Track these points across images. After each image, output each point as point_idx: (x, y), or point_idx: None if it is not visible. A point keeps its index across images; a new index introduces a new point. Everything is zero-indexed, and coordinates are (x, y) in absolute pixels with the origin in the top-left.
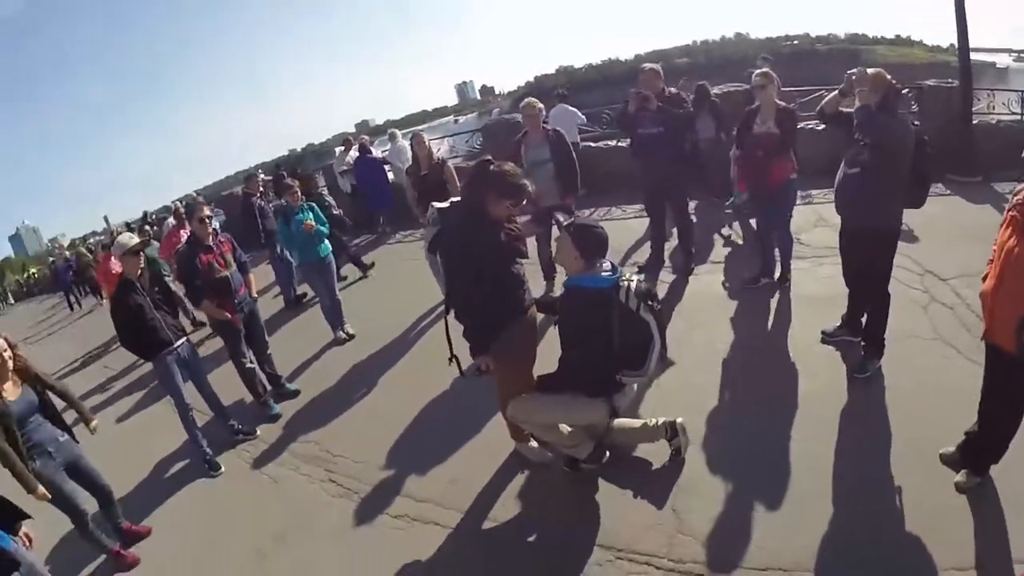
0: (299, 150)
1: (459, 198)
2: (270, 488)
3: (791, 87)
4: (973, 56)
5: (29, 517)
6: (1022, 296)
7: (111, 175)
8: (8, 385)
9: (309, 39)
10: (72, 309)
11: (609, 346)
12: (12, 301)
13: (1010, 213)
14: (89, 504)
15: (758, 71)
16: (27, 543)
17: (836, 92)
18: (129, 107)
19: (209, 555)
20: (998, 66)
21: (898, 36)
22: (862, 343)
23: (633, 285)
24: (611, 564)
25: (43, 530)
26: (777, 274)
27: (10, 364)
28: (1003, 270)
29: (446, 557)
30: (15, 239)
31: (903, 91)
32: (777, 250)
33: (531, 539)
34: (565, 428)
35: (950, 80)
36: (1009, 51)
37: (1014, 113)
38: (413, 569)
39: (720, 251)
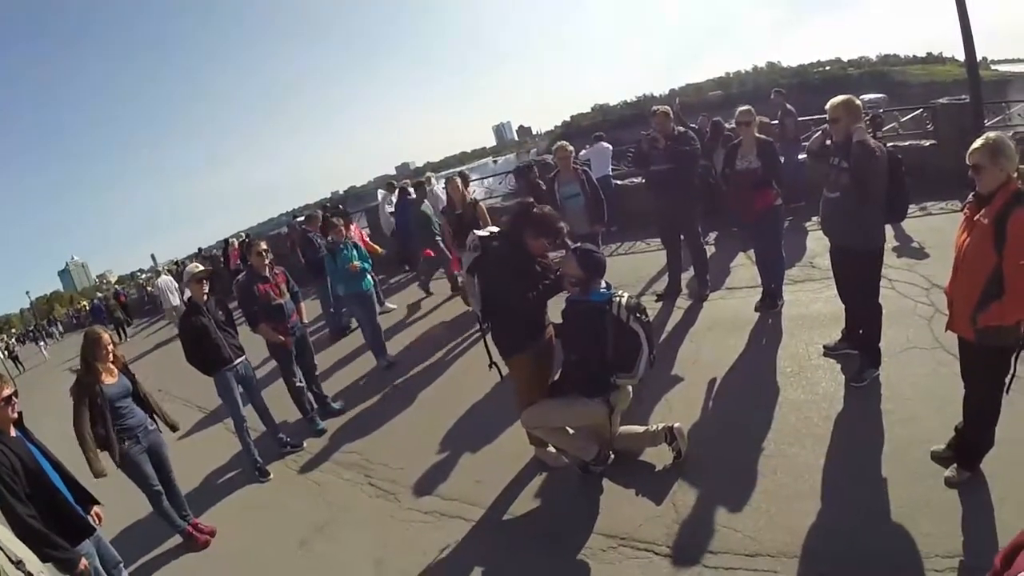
0: (341, 192)
1: (499, 228)
2: (314, 490)
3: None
4: (1001, 68)
5: (99, 503)
6: (973, 287)
7: (158, 214)
8: (108, 373)
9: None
10: (121, 338)
11: (604, 352)
12: (62, 331)
13: (963, 214)
14: None
15: (741, 108)
16: (97, 520)
17: (820, 132)
18: (176, 149)
19: (257, 544)
20: None
21: (929, 54)
22: (859, 354)
23: (624, 300)
24: (614, 550)
25: (118, 512)
26: (779, 297)
27: (111, 355)
28: (956, 264)
29: (469, 544)
30: (64, 274)
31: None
32: (769, 273)
33: (545, 529)
34: (571, 431)
35: (963, 97)
36: None
37: None
38: (440, 554)
39: (735, 277)
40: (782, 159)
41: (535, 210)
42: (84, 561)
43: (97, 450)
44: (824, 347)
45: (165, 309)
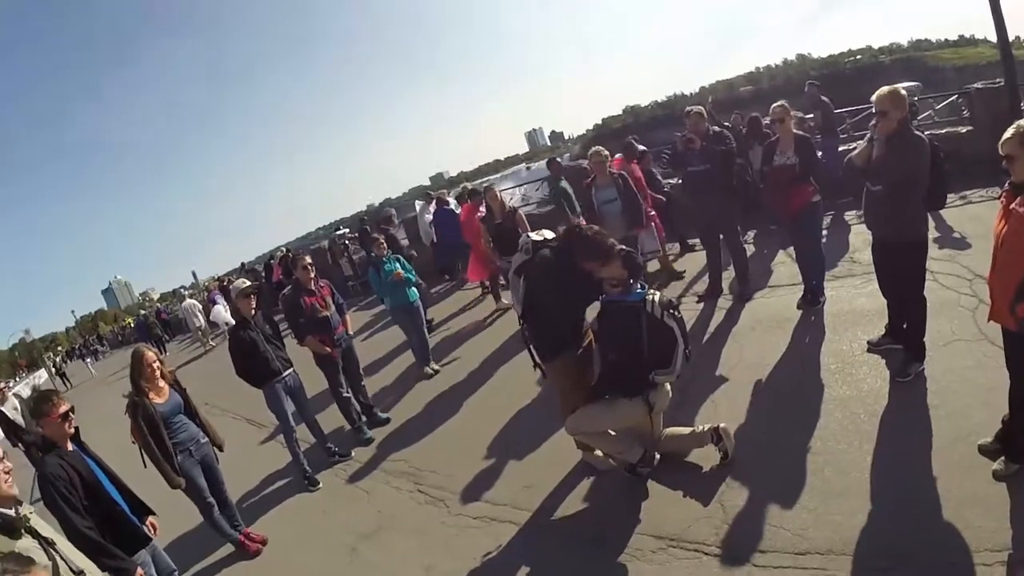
0: (376, 204)
1: (553, 235)
2: (363, 498)
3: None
4: None
5: (154, 513)
6: (1011, 277)
7: (198, 231)
8: (157, 391)
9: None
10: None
11: (640, 350)
12: (108, 347)
13: (1000, 203)
14: None
15: (775, 104)
16: (152, 530)
17: (866, 143)
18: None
19: (308, 552)
20: None
21: (961, 36)
22: (903, 348)
23: (657, 297)
24: (663, 551)
25: (171, 521)
26: (821, 294)
27: (158, 373)
28: (995, 254)
29: (519, 547)
30: (107, 293)
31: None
32: (810, 271)
33: (593, 532)
34: (614, 434)
35: (998, 80)
36: None
37: None
38: (489, 557)
39: (776, 276)
40: (819, 153)
41: (582, 231)
42: (140, 570)
43: (171, 465)
44: (868, 343)
45: (192, 329)
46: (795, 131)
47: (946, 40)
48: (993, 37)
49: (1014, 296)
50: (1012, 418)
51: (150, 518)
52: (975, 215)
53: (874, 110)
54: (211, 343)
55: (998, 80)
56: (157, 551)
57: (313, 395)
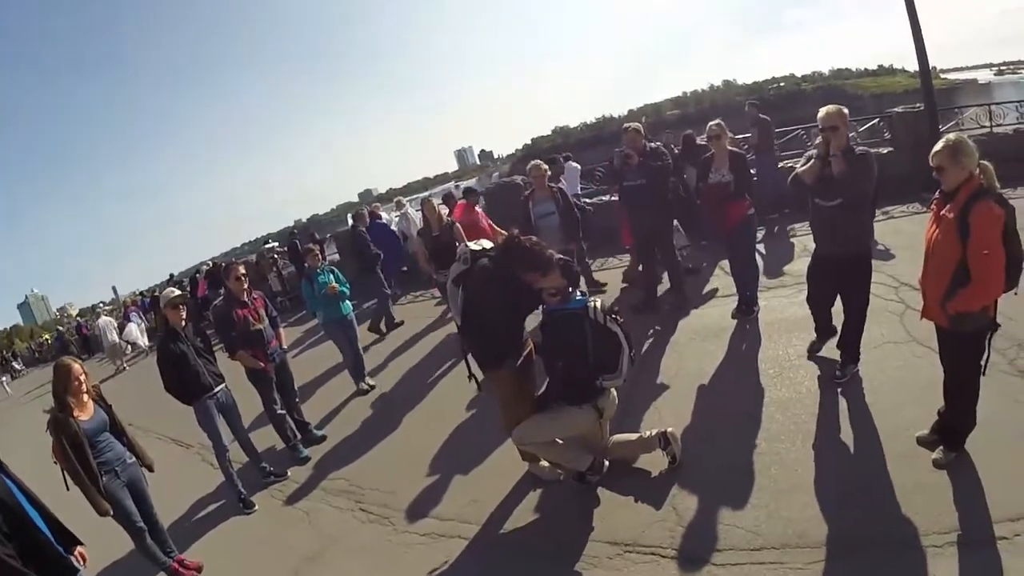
0: (304, 220)
1: (492, 246)
2: (303, 519)
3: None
4: (955, 75)
5: (82, 544)
6: (942, 276)
7: (120, 245)
8: (81, 407)
9: (309, 111)
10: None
11: (585, 356)
12: (23, 365)
13: (931, 210)
14: None
15: (713, 123)
16: (81, 561)
17: (814, 160)
18: (135, 179)
19: None
20: (980, 82)
21: (880, 66)
22: (841, 351)
23: (599, 304)
24: (620, 557)
25: (98, 549)
26: (755, 304)
27: (84, 387)
28: (926, 257)
29: (472, 561)
30: (24, 307)
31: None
32: (744, 282)
33: (547, 541)
34: (562, 443)
35: (918, 105)
36: (989, 66)
37: (983, 126)
38: (439, 573)
39: (710, 288)
40: (754, 171)
41: (521, 242)
42: None
43: (96, 488)
44: (809, 351)
45: (106, 347)
46: (730, 148)
47: (866, 69)
48: (911, 67)
49: (944, 294)
50: (947, 409)
51: (78, 548)
52: (898, 228)
53: (821, 127)
54: (124, 365)
55: (918, 105)
56: None
57: (245, 413)
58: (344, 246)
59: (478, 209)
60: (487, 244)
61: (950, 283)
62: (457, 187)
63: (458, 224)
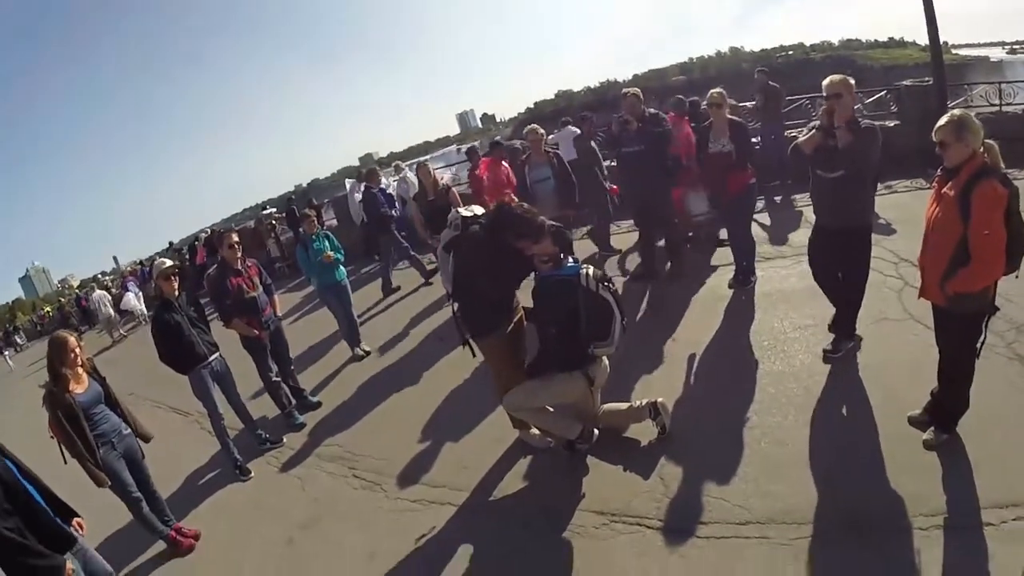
0: (304, 185)
1: (483, 211)
2: (297, 486)
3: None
4: (967, 51)
5: (79, 516)
6: (942, 255)
7: (118, 216)
8: (77, 380)
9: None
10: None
11: (577, 323)
12: (25, 339)
13: (932, 187)
14: None
15: (713, 90)
16: (79, 530)
17: (815, 132)
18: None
19: (243, 543)
20: (992, 59)
21: (891, 39)
22: (836, 325)
23: (591, 271)
24: (606, 527)
25: (97, 519)
26: (752, 274)
27: (79, 360)
28: (926, 235)
29: (461, 527)
30: (25, 280)
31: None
32: (742, 251)
33: (535, 509)
34: (552, 410)
35: (927, 79)
36: (1002, 44)
37: (992, 104)
38: (429, 540)
39: (708, 257)
40: (758, 138)
41: (512, 209)
42: (69, 565)
43: (93, 461)
44: (824, 351)
45: (101, 319)
46: (730, 117)
47: (876, 41)
48: (922, 40)
49: (943, 274)
50: (940, 390)
51: (76, 519)
52: (901, 203)
53: (825, 95)
54: (121, 332)
55: (927, 79)
56: (90, 555)
57: (241, 380)
58: (341, 212)
59: (505, 164)
60: (478, 210)
61: (949, 263)
62: (473, 147)
63: (453, 189)
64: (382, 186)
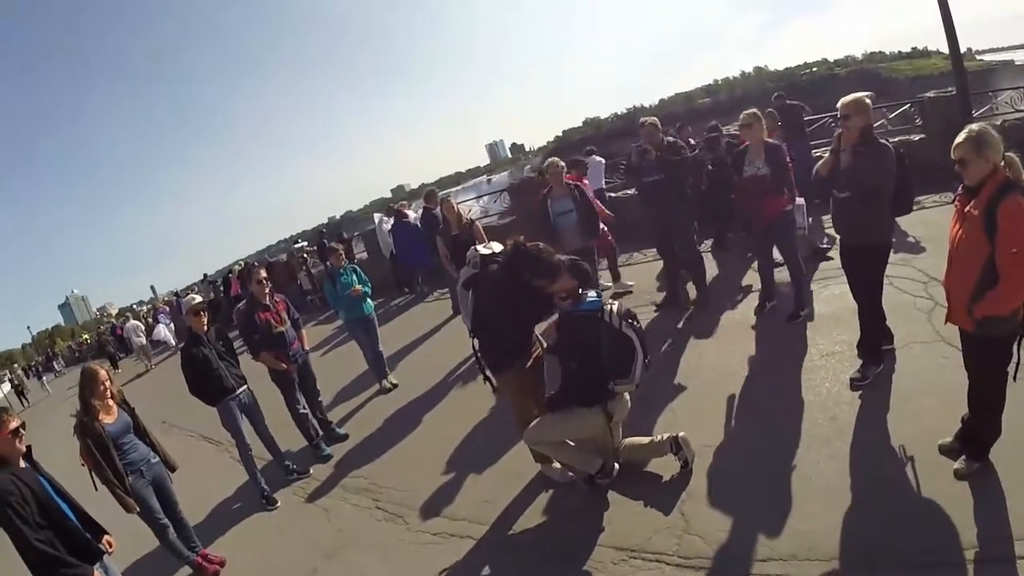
0: (337, 217)
1: (502, 249)
2: (322, 517)
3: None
4: (985, 57)
5: (108, 533)
6: (968, 277)
7: (159, 244)
8: (107, 411)
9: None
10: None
11: (599, 359)
12: (64, 364)
13: (954, 206)
14: None
15: (746, 111)
16: (108, 548)
17: (829, 154)
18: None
19: (267, 571)
20: (1017, 63)
21: (914, 49)
22: (860, 351)
23: (616, 307)
24: (625, 563)
25: (126, 544)
26: (804, 306)
27: (109, 391)
28: (951, 256)
29: (480, 562)
30: (64, 308)
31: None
32: (794, 282)
33: (554, 545)
34: (573, 444)
35: (950, 89)
36: None
37: (1018, 110)
38: (450, 572)
39: (733, 285)
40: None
41: (527, 250)
42: (96, 574)
43: (123, 488)
44: (851, 379)
45: (135, 348)
46: (766, 140)
47: (900, 52)
48: (945, 49)
49: (970, 297)
50: (971, 417)
51: (105, 536)
52: (929, 220)
53: (839, 114)
54: (151, 365)
55: (950, 89)
56: (112, 571)
57: (270, 412)
58: (371, 245)
59: (586, 181)
60: (497, 247)
61: (976, 285)
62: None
63: (477, 224)
64: (410, 220)
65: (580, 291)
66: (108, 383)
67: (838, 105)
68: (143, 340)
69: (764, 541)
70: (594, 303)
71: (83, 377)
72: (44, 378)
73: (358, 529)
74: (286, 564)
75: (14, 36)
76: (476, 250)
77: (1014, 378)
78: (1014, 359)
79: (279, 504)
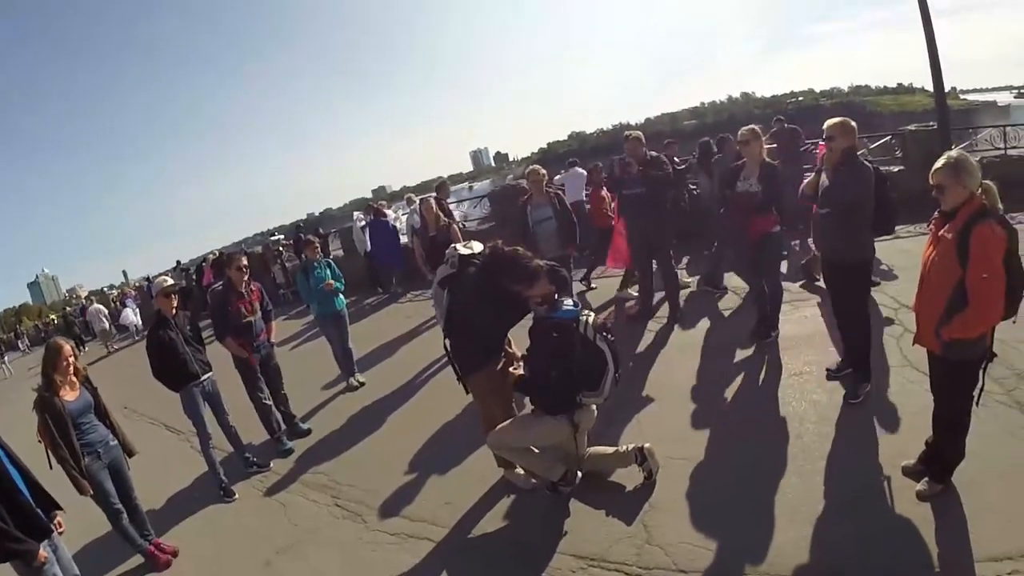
0: (317, 214)
1: (481, 250)
2: (280, 511)
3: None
4: (975, 96)
5: (61, 509)
6: (938, 300)
7: (129, 231)
8: (69, 387)
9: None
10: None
11: (570, 369)
12: (29, 344)
13: (929, 229)
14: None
15: (745, 128)
16: (59, 527)
17: (814, 174)
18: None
19: (221, 565)
20: (999, 104)
21: (899, 84)
22: (851, 370)
23: (591, 319)
24: (584, 571)
25: (77, 528)
26: (773, 328)
27: (72, 368)
28: (922, 279)
29: (437, 565)
30: (34, 286)
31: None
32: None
33: (513, 550)
34: (537, 451)
35: (931, 123)
36: (1009, 88)
37: (997, 148)
38: (406, 574)
39: (707, 301)
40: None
41: (505, 253)
42: (43, 552)
43: (77, 468)
44: (827, 370)
45: (97, 332)
46: (764, 159)
47: (885, 87)
48: (930, 87)
49: (939, 319)
50: (935, 439)
51: (57, 514)
52: (903, 248)
53: (824, 135)
54: (113, 347)
55: (931, 123)
56: (61, 550)
57: (234, 403)
58: (348, 243)
59: (604, 191)
60: (477, 248)
61: (946, 308)
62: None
63: (455, 225)
64: (387, 219)
65: (557, 297)
66: (72, 359)
67: (824, 127)
68: (105, 325)
69: (726, 555)
70: (570, 312)
71: (47, 351)
72: (6, 357)
73: (315, 526)
74: (240, 556)
75: None
76: (456, 249)
77: (977, 403)
78: (979, 384)
79: (237, 496)
